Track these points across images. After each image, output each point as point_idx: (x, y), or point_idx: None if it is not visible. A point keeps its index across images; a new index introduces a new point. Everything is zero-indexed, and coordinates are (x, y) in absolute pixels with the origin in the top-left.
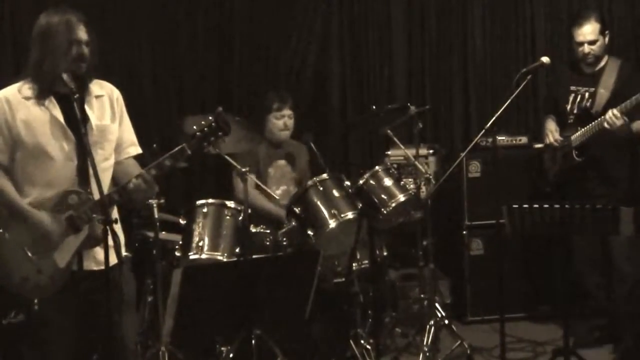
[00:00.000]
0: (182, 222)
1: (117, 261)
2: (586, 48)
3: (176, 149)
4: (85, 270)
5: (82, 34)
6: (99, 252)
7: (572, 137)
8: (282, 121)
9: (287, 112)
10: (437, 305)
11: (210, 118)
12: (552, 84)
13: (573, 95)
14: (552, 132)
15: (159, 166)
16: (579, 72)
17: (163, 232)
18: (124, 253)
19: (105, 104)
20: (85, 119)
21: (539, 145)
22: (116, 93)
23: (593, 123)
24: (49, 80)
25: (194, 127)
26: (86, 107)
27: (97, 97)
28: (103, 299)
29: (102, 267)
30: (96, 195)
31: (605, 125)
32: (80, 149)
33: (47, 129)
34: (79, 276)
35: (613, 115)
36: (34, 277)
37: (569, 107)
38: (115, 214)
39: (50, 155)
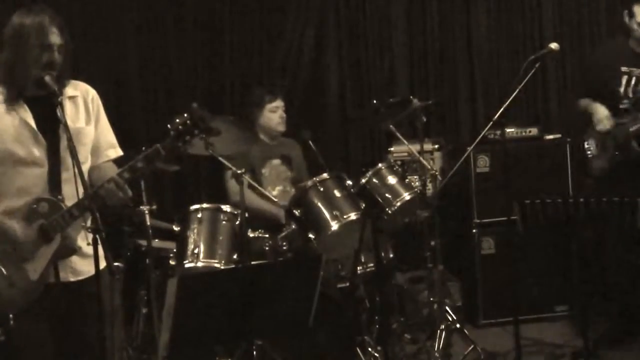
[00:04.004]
0: (175, 228)
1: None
2: None
3: (149, 149)
4: (62, 282)
5: (55, 37)
6: (76, 262)
7: (632, 125)
8: (277, 113)
9: (280, 103)
10: (447, 308)
11: (185, 115)
12: (592, 64)
13: (626, 77)
14: (608, 117)
15: (132, 169)
16: (629, 52)
17: (156, 240)
18: (115, 263)
19: (80, 105)
20: (57, 121)
21: (551, 137)
22: (92, 93)
23: None
24: (19, 84)
25: (168, 125)
26: (57, 109)
27: (70, 98)
28: (82, 310)
29: (80, 278)
30: (69, 202)
31: None
32: (52, 154)
33: (16, 134)
34: (55, 288)
35: None
36: (6, 291)
37: (622, 90)
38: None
39: (19, 161)
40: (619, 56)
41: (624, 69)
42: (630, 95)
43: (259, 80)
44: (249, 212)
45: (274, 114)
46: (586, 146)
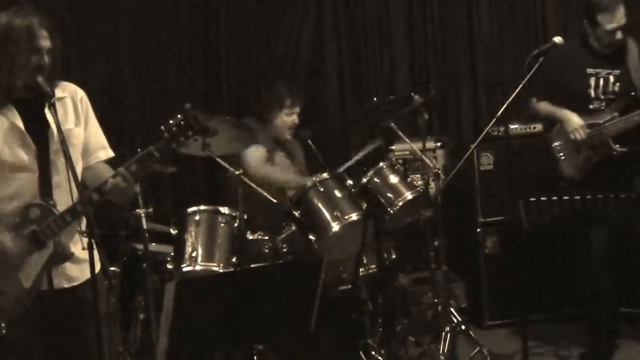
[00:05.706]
0: (172, 231)
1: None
2: (619, 34)
3: (142, 152)
4: (56, 289)
5: (44, 41)
6: (70, 268)
7: (608, 126)
8: (291, 119)
9: (297, 110)
10: (452, 310)
11: (178, 116)
12: (555, 67)
13: (593, 79)
14: (583, 126)
15: (127, 170)
16: (592, 53)
17: (153, 244)
18: (111, 268)
19: (68, 106)
20: (46, 124)
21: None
22: (80, 94)
23: None
24: (7, 88)
25: (161, 127)
26: (46, 111)
27: (59, 99)
28: (77, 316)
29: (74, 284)
30: (61, 207)
31: None
32: (42, 158)
33: (5, 138)
34: (49, 295)
35: None
36: None
37: (592, 92)
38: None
39: (8, 166)
40: (582, 58)
41: (590, 70)
42: (602, 96)
43: (262, 79)
44: (272, 184)
45: (288, 119)
46: (557, 148)
